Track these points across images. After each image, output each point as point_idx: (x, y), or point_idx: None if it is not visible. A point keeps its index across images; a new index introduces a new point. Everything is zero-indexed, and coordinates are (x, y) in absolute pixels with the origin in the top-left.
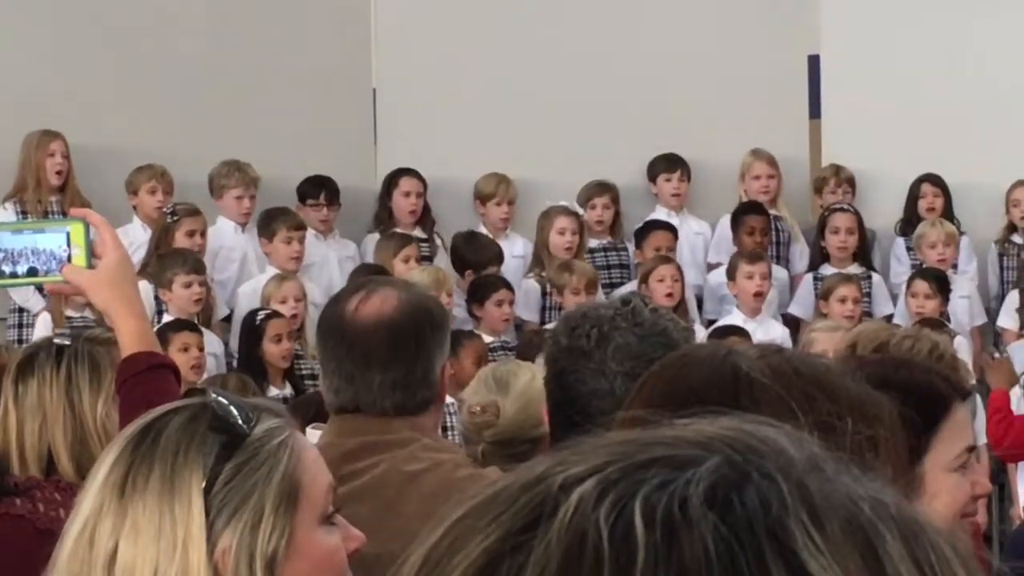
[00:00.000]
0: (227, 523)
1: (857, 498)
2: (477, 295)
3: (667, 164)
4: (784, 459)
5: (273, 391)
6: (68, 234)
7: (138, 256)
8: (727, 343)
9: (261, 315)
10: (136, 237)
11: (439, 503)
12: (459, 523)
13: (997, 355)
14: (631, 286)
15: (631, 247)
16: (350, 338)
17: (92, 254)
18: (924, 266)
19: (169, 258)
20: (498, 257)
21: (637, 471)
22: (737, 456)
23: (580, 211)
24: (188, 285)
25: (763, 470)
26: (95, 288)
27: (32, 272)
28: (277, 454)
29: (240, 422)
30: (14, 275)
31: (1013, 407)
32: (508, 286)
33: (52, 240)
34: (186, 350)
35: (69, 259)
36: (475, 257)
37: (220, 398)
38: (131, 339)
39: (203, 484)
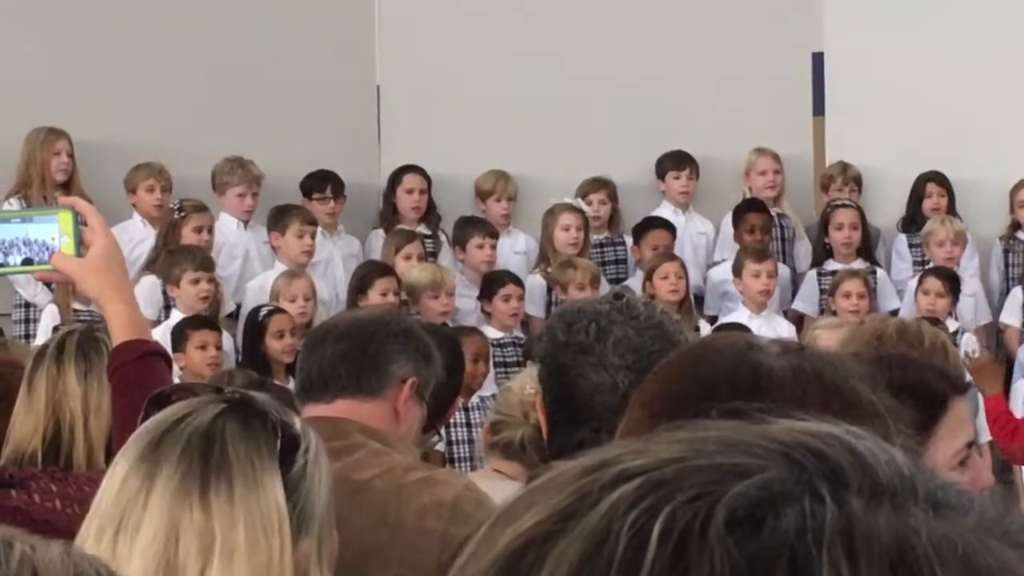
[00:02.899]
0: (300, 530)
1: (916, 533)
2: (485, 291)
3: (676, 162)
4: (860, 480)
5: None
6: (57, 223)
7: (139, 252)
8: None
9: (264, 311)
10: (136, 234)
11: (390, 510)
12: (531, 493)
13: (976, 352)
14: (633, 282)
15: (629, 243)
16: (318, 330)
17: (81, 242)
18: (934, 265)
19: (179, 254)
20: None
21: (689, 475)
22: (804, 472)
23: (585, 208)
24: (196, 282)
25: (818, 491)
26: (84, 276)
27: (26, 262)
28: (317, 459)
29: (294, 428)
30: (3, 264)
31: (1013, 407)
32: (516, 281)
33: (44, 231)
34: (204, 348)
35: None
36: (469, 229)
37: (266, 402)
38: (122, 326)
39: (283, 491)
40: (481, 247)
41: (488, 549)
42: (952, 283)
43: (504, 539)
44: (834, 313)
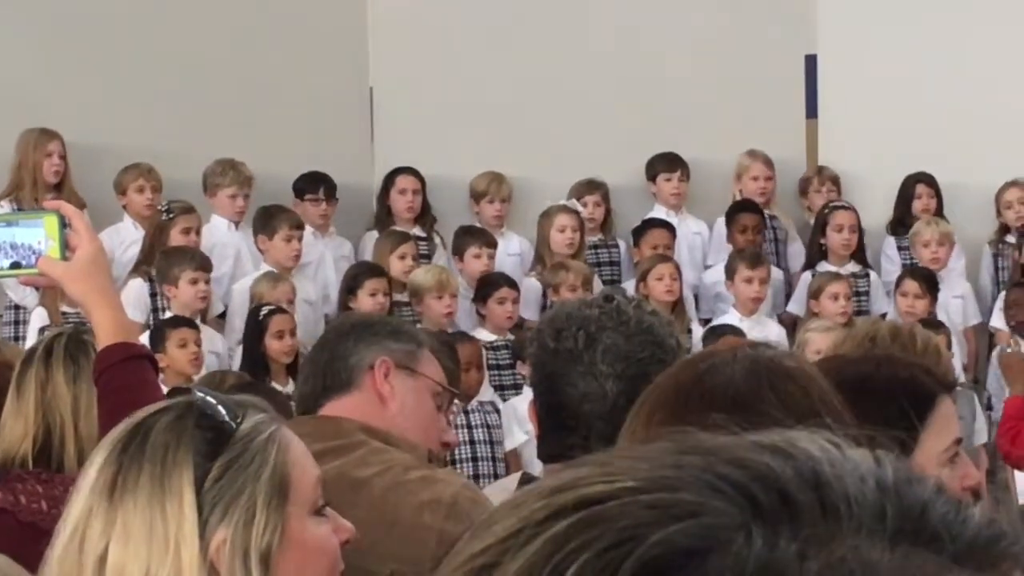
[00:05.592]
0: (220, 520)
1: (852, 569)
2: (480, 293)
3: (667, 164)
4: (810, 516)
5: (276, 388)
6: (43, 226)
7: (131, 254)
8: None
9: (264, 311)
10: (128, 236)
11: (388, 507)
12: (496, 512)
13: (1009, 348)
14: (627, 285)
15: (623, 245)
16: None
17: (66, 246)
18: (913, 266)
19: (176, 255)
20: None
21: (624, 514)
22: (749, 509)
23: (581, 209)
24: (195, 282)
25: (751, 534)
26: (70, 279)
27: (14, 265)
28: (266, 449)
29: (227, 418)
30: None
31: None
32: (511, 284)
33: (30, 234)
34: (184, 346)
35: None
36: (467, 239)
37: (206, 396)
38: (107, 330)
39: (194, 482)
40: (478, 257)
41: (450, 565)
42: (930, 284)
43: (457, 561)
44: (816, 315)
